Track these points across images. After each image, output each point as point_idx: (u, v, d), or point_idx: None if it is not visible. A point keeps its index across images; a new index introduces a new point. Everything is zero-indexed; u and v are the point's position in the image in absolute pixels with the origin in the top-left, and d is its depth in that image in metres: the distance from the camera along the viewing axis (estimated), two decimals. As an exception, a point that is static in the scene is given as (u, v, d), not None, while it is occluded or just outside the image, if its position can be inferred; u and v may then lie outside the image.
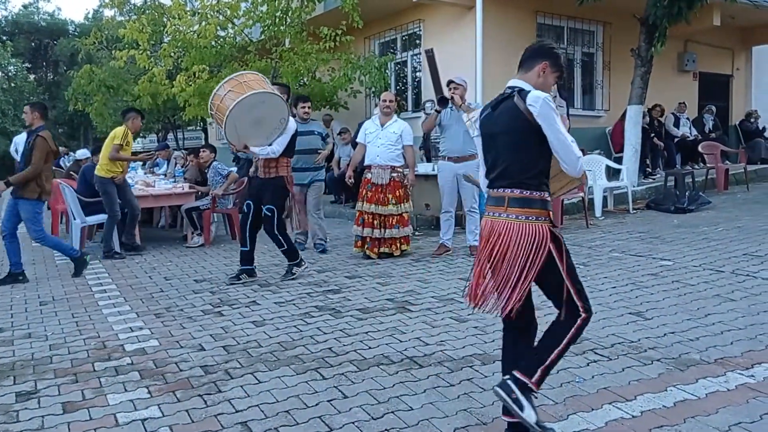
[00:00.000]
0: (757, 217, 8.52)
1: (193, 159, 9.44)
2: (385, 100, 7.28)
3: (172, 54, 12.57)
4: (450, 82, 6.95)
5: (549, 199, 2.79)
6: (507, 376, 2.79)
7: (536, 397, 2.79)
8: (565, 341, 2.74)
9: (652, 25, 10.23)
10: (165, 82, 12.37)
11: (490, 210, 2.89)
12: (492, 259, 2.79)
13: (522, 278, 2.70)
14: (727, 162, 12.17)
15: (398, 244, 7.14)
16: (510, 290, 2.72)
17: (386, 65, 12.14)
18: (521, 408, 2.67)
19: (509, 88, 2.90)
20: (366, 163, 7.23)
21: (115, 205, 7.91)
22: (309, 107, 7.88)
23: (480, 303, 2.88)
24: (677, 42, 13.26)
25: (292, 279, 6.24)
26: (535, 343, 2.88)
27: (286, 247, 6.28)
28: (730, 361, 3.67)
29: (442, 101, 6.91)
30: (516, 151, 2.79)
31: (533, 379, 2.71)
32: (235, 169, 10.05)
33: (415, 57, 12.61)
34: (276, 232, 6.18)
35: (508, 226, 2.75)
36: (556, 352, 2.74)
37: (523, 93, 2.77)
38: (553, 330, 2.81)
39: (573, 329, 2.74)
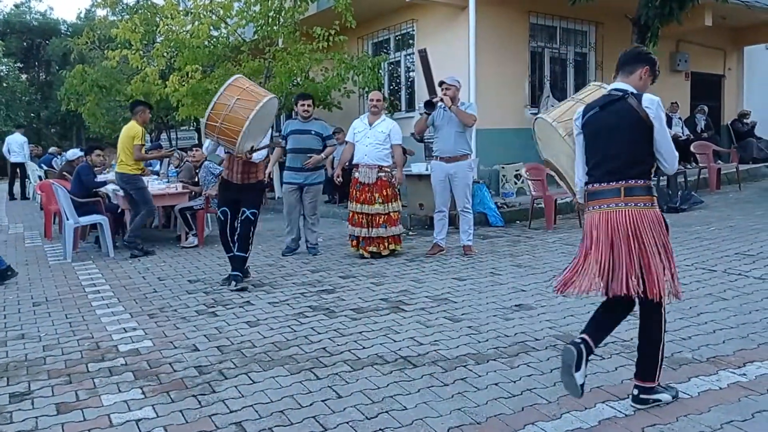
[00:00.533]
0: (748, 216, 8.56)
1: (193, 153, 9.33)
2: (372, 100, 7.27)
3: (165, 54, 12.55)
4: (441, 83, 6.96)
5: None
6: (635, 392, 3.15)
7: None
8: (664, 330, 3.14)
9: (644, 25, 10.27)
10: (158, 82, 12.33)
11: (600, 203, 3.14)
12: (621, 245, 3.06)
13: (662, 257, 3.05)
14: (719, 162, 12.22)
15: (386, 244, 7.12)
16: (655, 270, 3.02)
17: (379, 65, 12.15)
18: (660, 400, 3.12)
19: (618, 90, 3.17)
20: (354, 161, 7.23)
21: (150, 199, 8.01)
22: (310, 105, 7.63)
23: (585, 290, 3.20)
24: (669, 42, 13.33)
25: (239, 290, 5.88)
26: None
27: (247, 255, 6.10)
28: (723, 360, 3.69)
29: (429, 105, 6.93)
30: (631, 146, 3.08)
31: (657, 379, 3.12)
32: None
33: (408, 57, 12.61)
34: (251, 238, 6.08)
35: (632, 213, 3.06)
36: (662, 344, 3.13)
37: (636, 95, 3.08)
38: (649, 327, 3.18)
39: (663, 313, 3.13)
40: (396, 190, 7.25)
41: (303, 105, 7.57)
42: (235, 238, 6.02)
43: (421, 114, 7.31)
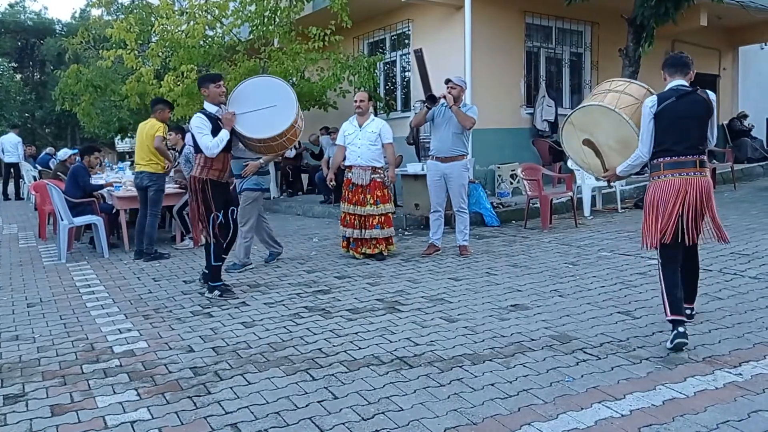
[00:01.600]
0: (743, 215, 8.58)
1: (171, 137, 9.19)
2: (356, 100, 7.21)
3: (160, 54, 12.52)
4: (448, 80, 6.93)
5: None
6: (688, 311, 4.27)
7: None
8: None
9: (639, 25, 10.27)
10: (153, 82, 12.31)
11: (681, 171, 4.03)
12: (694, 204, 4.01)
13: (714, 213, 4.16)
14: (715, 161, 12.25)
15: (378, 245, 7.08)
16: (716, 223, 4.21)
17: (375, 65, 12.14)
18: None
19: (684, 86, 4.13)
20: (347, 163, 7.18)
21: (161, 203, 8.01)
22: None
23: (664, 239, 4.01)
24: (665, 42, 13.33)
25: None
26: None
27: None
28: (718, 360, 3.69)
29: (431, 98, 6.89)
30: (701, 129, 4.07)
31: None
32: None
33: (404, 57, 12.61)
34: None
35: (703, 180, 4.05)
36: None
37: (701, 90, 4.10)
38: (697, 262, 4.37)
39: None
40: (389, 192, 7.24)
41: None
42: (229, 237, 5.90)
43: (421, 107, 7.27)
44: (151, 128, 7.80)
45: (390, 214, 7.14)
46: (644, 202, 4.23)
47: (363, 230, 7.01)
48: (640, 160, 4.20)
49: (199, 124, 5.54)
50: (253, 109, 5.68)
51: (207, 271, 5.85)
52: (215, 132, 5.53)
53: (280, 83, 5.97)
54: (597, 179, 5.24)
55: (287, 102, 5.72)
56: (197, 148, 5.65)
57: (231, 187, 6.03)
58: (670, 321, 3.93)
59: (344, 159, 7.25)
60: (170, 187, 8.87)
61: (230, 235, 5.86)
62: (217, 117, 5.62)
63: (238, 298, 5.67)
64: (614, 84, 4.71)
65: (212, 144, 5.48)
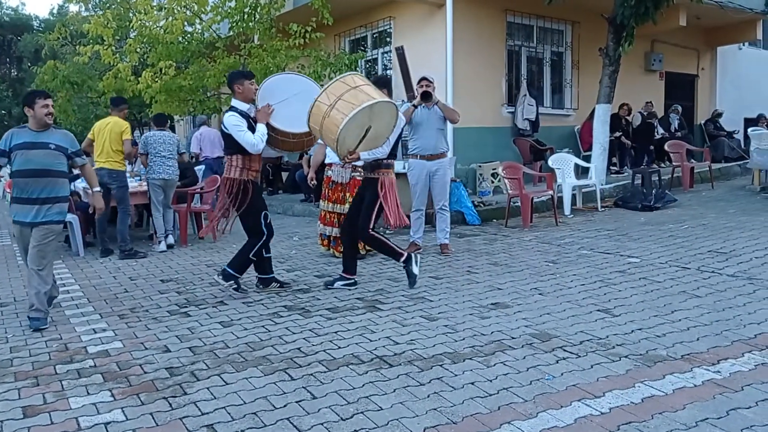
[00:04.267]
0: (721, 214, 8.65)
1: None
2: None
3: (138, 50, 12.37)
4: (423, 78, 6.88)
5: None
6: None
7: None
8: None
9: (619, 24, 10.33)
10: (131, 78, 12.18)
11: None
12: None
13: None
14: (693, 160, 12.36)
15: (362, 243, 7.04)
16: None
17: (356, 62, 12.10)
18: None
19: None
20: (327, 161, 7.14)
21: (128, 198, 7.94)
22: (51, 105, 5.07)
23: None
24: (644, 42, 13.44)
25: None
26: None
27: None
28: (697, 357, 3.70)
29: (426, 96, 6.71)
30: None
31: None
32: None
33: (385, 54, 12.58)
34: None
35: None
36: None
37: None
38: None
39: None
40: None
41: (43, 106, 5.00)
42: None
43: (410, 105, 7.17)
44: (116, 126, 7.76)
45: None
46: (380, 189, 5.42)
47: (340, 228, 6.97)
48: (381, 156, 5.41)
49: (237, 122, 5.29)
50: (285, 103, 5.53)
51: (233, 262, 5.59)
52: (251, 129, 5.35)
53: (306, 80, 5.87)
54: (340, 154, 5.22)
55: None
56: (232, 148, 5.40)
57: None
58: None
59: (325, 157, 7.20)
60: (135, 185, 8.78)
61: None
62: (248, 114, 5.44)
63: (247, 295, 5.61)
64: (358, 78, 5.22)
65: (256, 140, 5.30)
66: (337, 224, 6.96)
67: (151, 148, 8.26)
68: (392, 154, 5.66)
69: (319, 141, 7.17)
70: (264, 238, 5.55)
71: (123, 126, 7.78)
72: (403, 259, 5.61)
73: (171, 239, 8.38)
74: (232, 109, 5.42)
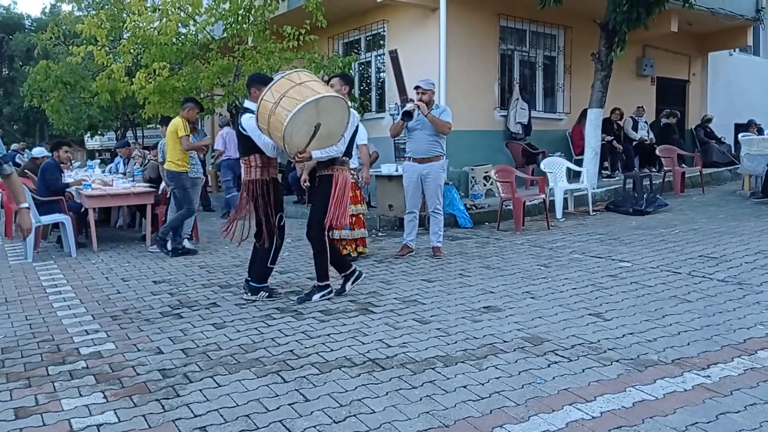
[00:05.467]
0: (712, 219, 8.71)
1: (155, 154, 9.22)
2: None
3: (132, 50, 12.34)
4: (417, 87, 6.92)
5: None
6: None
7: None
8: None
9: (612, 29, 10.40)
10: (124, 79, 12.15)
11: None
12: None
13: None
14: (683, 165, 12.44)
15: (354, 246, 7.07)
16: None
17: (350, 65, 12.10)
18: None
19: None
20: None
21: (192, 199, 7.92)
22: None
23: None
24: (636, 47, 13.52)
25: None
26: None
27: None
28: (687, 362, 3.73)
29: (407, 115, 6.80)
30: None
31: None
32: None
33: (379, 57, 12.60)
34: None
35: None
36: None
37: None
38: None
39: None
40: (362, 193, 7.21)
41: None
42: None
43: (394, 112, 7.24)
44: (171, 126, 7.85)
45: (362, 215, 7.11)
46: (334, 187, 5.30)
47: (332, 231, 6.96)
48: (335, 154, 5.27)
49: (255, 125, 5.18)
50: None
51: (254, 275, 5.56)
52: None
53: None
54: (290, 154, 5.12)
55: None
56: (249, 149, 5.36)
57: None
58: None
59: None
60: (141, 186, 8.76)
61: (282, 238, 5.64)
62: None
63: (281, 296, 5.59)
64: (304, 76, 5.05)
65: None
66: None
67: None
68: (347, 153, 5.51)
69: None
70: (277, 242, 5.46)
71: (176, 125, 7.77)
72: (323, 283, 5.46)
73: (188, 243, 8.16)
74: (247, 111, 5.35)
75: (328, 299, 5.40)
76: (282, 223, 5.51)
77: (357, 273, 5.67)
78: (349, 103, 5.26)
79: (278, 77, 5.03)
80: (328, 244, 5.42)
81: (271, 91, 4.88)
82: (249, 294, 5.53)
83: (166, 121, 8.83)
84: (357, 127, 5.68)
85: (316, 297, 5.39)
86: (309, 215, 5.57)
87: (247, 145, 5.39)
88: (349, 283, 5.61)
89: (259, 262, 5.56)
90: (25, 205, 4.07)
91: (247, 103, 5.49)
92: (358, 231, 7.05)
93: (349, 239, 7.00)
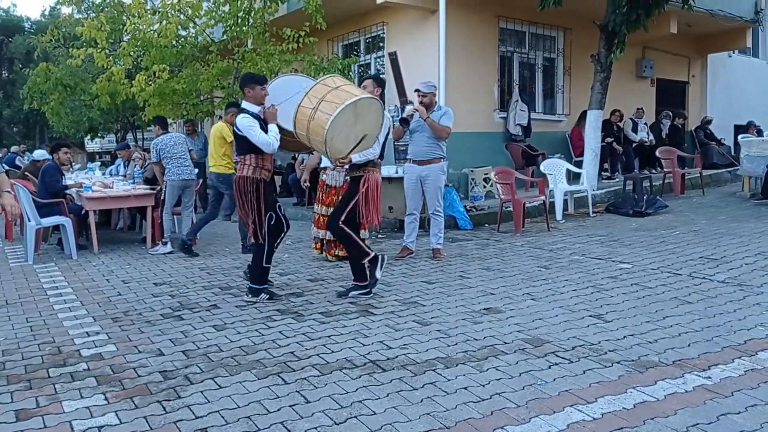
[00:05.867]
0: (712, 220, 8.71)
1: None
2: None
3: (132, 53, 12.36)
4: (417, 90, 6.95)
5: None
6: None
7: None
8: None
9: (611, 31, 10.41)
10: (124, 82, 12.15)
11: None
12: None
13: None
14: (685, 167, 12.45)
15: None
16: None
17: (349, 67, 12.11)
18: None
19: None
20: (322, 165, 7.19)
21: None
22: None
23: None
24: (635, 48, 13.53)
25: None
26: None
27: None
28: (688, 363, 3.73)
29: (404, 122, 6.89)
30: None
31: None
32: None
33: (378, 59, 12.60)
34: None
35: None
36: None
37: None
38: None
39: None
40: None
41: None
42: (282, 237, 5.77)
43: (394, 114, 7.28)
44: (216, 131, 8.11)
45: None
46: (363, 187, 5.39)
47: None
48: (372, 157, 5.43)
49: (250, 123, 5.31)
50: (284, 99, 5.50)
51: (251, 274, 5.64)
52: (263, 130, 5.37)
53: (309, 80, 5.82)
54: (331, 158, 5.33)
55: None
56: (245, 149, 5.43)
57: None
58: None
59: (320, 161, 7.23)
60: (142, 188, 8.76)
61: (283, 234, 5.70)
62: (259, 115, 5.46)
63: (282, 299, 5.58)
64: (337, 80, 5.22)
65: (271, 139, 5.33)
66: None
67: (164, 152, 8.17)
68: (380, 154, 5.64)
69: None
70: (267, 246, 5.46)
71: (221, 130, 8.07)
72: (369, 258, 5.57)
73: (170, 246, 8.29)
74: (243, 111, 5.44)
75: (368, 295, 5.52)
76: (273, 222, 5.51)
77: (379, 258, 5.64)
78: (382, 104, 5.35)
79: (314, 84, 5.14)
80: (350, 234, 5.54)
81: (309, 97, 4.96)
82: (250, 296, 5.54)
83: (161, 121, 8.80)
84: (389, 128, 5.77)
85: (376, 273, 5.57)
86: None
87: (242, 145, 5.44)
88: (378, 269, 5.60)
89: (253, 263, 5.58)
90: (6, 189, 4.31)
91: (244, 104, 5.54)
92: (361, 232, 7.05)
93: None
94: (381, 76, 12.37)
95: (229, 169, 7.98)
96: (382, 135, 5.51)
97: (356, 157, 5.36)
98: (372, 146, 5.39)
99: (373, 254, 5.59)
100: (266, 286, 5.61)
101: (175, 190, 8.19)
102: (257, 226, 5.42)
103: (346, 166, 5.62)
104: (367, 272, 5.58)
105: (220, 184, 8.18)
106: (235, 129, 5.46)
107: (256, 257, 5.52)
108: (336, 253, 7.06)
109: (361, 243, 5.64)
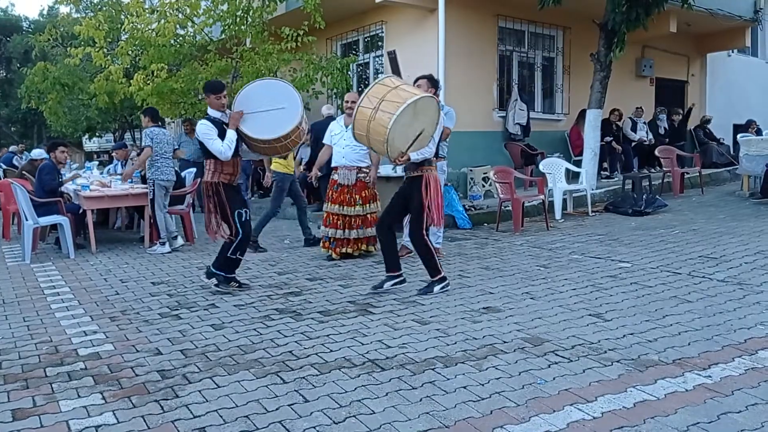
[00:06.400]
0: (711, 219, 8.70)
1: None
2: (347, 101, 7.24)
3: (130, 52, 12.34)
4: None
5: None
6: None
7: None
8: None
9: (611, 30, 10.39)
10: (122, 81, 12.14)
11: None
12: None
13: None
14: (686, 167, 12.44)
15: (359, 245, 7.10)
16: None
17: (348, 66, 12.10)
18: None
19: None
20: (333, 164, 7.21)
21: (281, 200, 8.24)
22: None
23: None
24: (635, 48, 13.52)
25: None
26: None
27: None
28: (688, 362, 3.72)
29: None
30: None
31: None
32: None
33: (377, 58, 12.59)
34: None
35: None
36: None
37: None
38: None
39: None
40: (374, 191, 7.24)
41: None
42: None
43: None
44: None
45: (375, 214, 7.16)
46: (425, 188, 5.36)
47: (346, 230, 7.02)
48: (429, 155, 5.39)
49: (206, 131, 5.57)
50: (259, 110, 5.62)
51: (218, 264, 5.84)
52: (222, 136, 5.56)
53: (285, 85, 5.90)
54: (391, 157, 5.29)
55: (292, 104, 5.65)
56: (207, 153, 5.66)
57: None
58: None
59: (330, 158, 7.26)
60: (140, 187, 8.74)
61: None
62: (222, 121, 5.64)
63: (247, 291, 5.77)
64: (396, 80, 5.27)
65: (224, 147, 5.52)
66: (341, 226, 7.01)
67: (159, 147, 8.08)
68: (435, 153, 5.69)
69: (324, 141, 7.25)
70: (241, 237, 5.70)
71: None
72: (438, 277, 5.59)
73: (180, 240, 8.41)
74: (206, 116, 5.73)
75: (446, 291, 5.55)
76: (243, 220, 5.69)
77: (446, 280, 5.67)
78: (438, 104, 5.40)
79: (372, 84, 5.21)
80: (429, 243, 5.57)
81: (368, 97, 5.01)
82: (219, 284, 5.79)
83: (152, 112, 8.70)
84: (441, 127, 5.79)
85: (436, 289, 5.52)
86: (386, 212, 5.83)
87: (204, 149, 5.69)
88: (437, 287, 5.56)
89: (221, 249, 5.86)
90: None
91: (209, 110, 5.79)
92: (369, 229, 7.08)
93: (362, 238, 7.05)
94: (379, 75, 12.35)
95: (282, 167, 7.98)
96: (437, 134, 5.52)
97: (414, 156, 5.35)
98: (428, 145, 5.39)
99: (443, 274, 5.63)
100: (226, 275, 5.82)
101: (163, 190, 8.16)
102: (219, 225, 5.75)
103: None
104: (439, 266, 5.65)
105: (277, 182, 8.13)
106: (196, 134, 5.71)
107: (223, 248, 5.79)
108: (346, 251, 7.05)
109: (437, 259, 5.67)
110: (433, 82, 5.95)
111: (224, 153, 5.53)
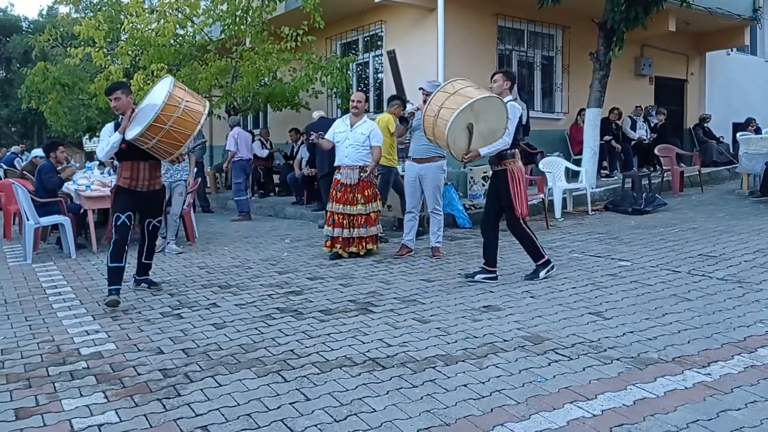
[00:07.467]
0: (711, 218, 8.72)
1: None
2: (353, 100, 7.25)
3: (130, 52, 12.35)
4: (421, 88, 6.98)
5: None
6: None
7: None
8: None
9: (610, 29, 10.41)
10: (122, 81, 12.13)
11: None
12: None
13: None
14: (682, 165, 12.44)
15: (364, 244, 7.12)
16: None
17: (348, 66, 12.12)
18: None
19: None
20: (336, 163, 7.23)
21: (386, 193, 8.11)
22: None
23: None
24: (634, 46, 13.53)
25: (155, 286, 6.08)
26: None
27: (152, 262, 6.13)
28: (688, 360, 3.73)
29: (403, 120, 7.11)
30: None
31: None
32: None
33: (377, 58, 12.60)
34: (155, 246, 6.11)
35: None
36: None
37: None
38: None
39: None
40: (376, 191, 7.25)
41: None
42: (145, 247, 5.92)
43: (396, 124, 7.42)
44: (382, 122, 7.97)
45: (378, 212, 7.18)
46: (511, 179, 5.59)
47: (352, 229, 7.04)
48: (503, 147, 5.56)
49: (103, 133, 5.60)
50: (137, 110, 5.45)
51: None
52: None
53: (164, 80, 5.57)
54: (458, 158, 5.67)
55: (162, 88, 5.30)
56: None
57: (160, 198, 5.88)
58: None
59: (333, 149, 7.28)
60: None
61: (126, 241, 5.53)
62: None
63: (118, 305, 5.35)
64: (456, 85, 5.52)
65: (99, 150, 5.61)
66: (345, 225, 7.01)
67: None
68: (515, 144, 5.80)
69: (326, 137, 7.23)
70: (112, 243, 5.45)
71: (387, 122, 7.98)
72: (542, 261, 5.86)
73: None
74: (114, 119, 5.77)
75: (550, 275, 5.82)
76: (118, 223, 5.45)
77: (551, 262, 5.94)
78: (504, 98, 5.62)
79: (436, 91, 5.56)
80: (528, 230, 5.80)
81: (431, 105, 5.42)
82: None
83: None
84: (521, 117, 5.93)
85: (542, 274, 5.79)
86: (485, 211, 6.13)
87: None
88: (543, 272, 5.85)
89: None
90: None
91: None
92: (371, 228, 7.09)
93: (367, 236, 7.07)
94: (379, 75, 12.38)
95: (388, 161, 7.98)
96: (512, 125, 5.66)
97: (485, 150, 5.57)
98: (502, 137, 5.57)
99: (546, 258, 5.89)
100: (117, 287, 5.40)
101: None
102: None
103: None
104: (541, 250, 5.89)
105: (383, 175, 8.02)
106: None
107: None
108: (351, 251, 7.07)
109: (538, 244, 5.88)
110: (508, 76, 6.03)
111: (98, 155, 5.68)
